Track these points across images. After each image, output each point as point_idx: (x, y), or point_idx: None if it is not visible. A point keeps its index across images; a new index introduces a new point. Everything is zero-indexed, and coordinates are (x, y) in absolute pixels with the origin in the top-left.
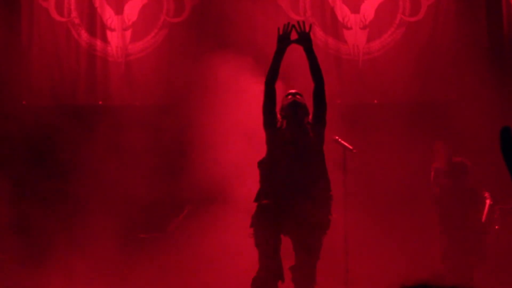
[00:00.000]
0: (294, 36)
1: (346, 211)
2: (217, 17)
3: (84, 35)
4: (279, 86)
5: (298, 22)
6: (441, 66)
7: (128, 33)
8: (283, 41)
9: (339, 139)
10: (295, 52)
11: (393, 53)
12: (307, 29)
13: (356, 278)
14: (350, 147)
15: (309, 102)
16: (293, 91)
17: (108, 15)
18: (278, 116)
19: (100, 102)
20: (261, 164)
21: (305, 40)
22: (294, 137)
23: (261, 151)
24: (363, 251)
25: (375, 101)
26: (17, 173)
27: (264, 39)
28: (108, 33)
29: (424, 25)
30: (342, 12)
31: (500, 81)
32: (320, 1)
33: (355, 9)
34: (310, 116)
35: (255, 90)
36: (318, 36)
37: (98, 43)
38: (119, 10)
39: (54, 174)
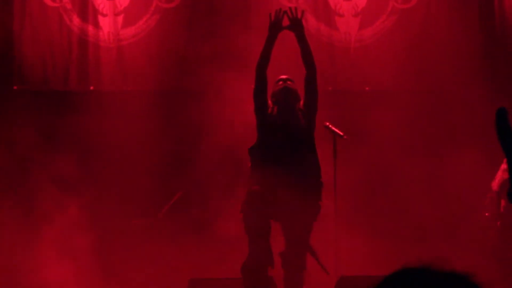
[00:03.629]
0: (286, 22)
1: (337, 197)
2: (209, 3)
3: (76, 20)
4: (270, 72)
5: (290, 8)
6: (433, 54)
7: (120, 18)
8: (275, 27)
9: (330, 125)
10: (287, 38)
11: (385, 40)
12: (299, 16)
13: (346, 264)
14: (341, 133)
15: (300, 88)
16: (284, 76)
17: (100, 0)
18: (269, 101)
19: (92, 88)
20: (251, 150)
21: (297, 26)
22: (285, 123)
23: (254, 137)
24: (353, 237)
25: (367, 88)
26: (6, 159)
27: (256, 25)
28: (100, 18)
29: (416, 12)
30: None
31: (492, 69)
32: None
33: None
34: (301, 102)
35: (247, 77)
36: (310, 23)
37: (90, 29)
38: None
39: (44, 160)
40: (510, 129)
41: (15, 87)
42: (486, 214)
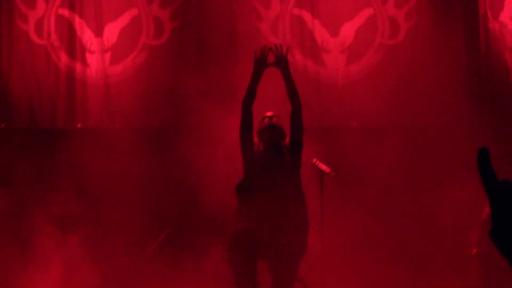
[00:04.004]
0: (272, 59)
1: (324, 236)
2: (196, 40)
3: (64, 58)
4: (256, 109)
5: (275, 45)
6: (420, 90)
7: (108, 56)
8: (260, 64)
9: (317, 163)
10: (273, 75)
11: (372, 76)
12: (284, 52)
13: None
14: (328, 171)
15: (286, 125)
16: (270, 113)
17: (88, 37)
18: (255, 139)
19: (79, 125)
20: (238, 187)
21: (282, 62)
22: (270, 161)
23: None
24: (340, 276)
25: (354, 125)
26: None
27: (243, 61)
28: (88, 55)
29: (403, 48)
30: (321, 35)
31: (478, 104)
32: (300, 24)
33: (335, 32)
34: (287, 139)
35: (235, 113)
36: (297, 59)
37: (78, 66)
38: (98, 33)
39: (32, 197)
40: (492, 169)
41: (2, 125)
42: (474, 251)
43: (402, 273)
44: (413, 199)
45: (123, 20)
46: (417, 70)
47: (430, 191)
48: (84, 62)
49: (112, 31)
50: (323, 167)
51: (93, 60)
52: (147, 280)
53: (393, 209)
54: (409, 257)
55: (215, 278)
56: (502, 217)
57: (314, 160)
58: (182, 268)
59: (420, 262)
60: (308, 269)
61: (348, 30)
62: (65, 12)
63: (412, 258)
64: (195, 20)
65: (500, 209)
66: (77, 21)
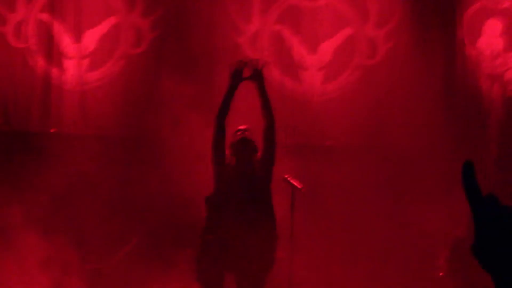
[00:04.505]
0: (247, 73)
1: (293, 251)
2: (176, 50)
3: (41, 62)
4: (230, 122)
5: (251, 60)
6: (396, 110)
7: (85, 62)
8: (236, 78)
9: (289, 178)
10: (248, 89)
11: (349, 95)
12: (259, 67)
13: None
14: (299, 186)
15: (259, 140)
16: (242, 127)
17: (66, 43)
18: (228, 152)
19: (53, 130)
20: (208, 199)
21: (257, 77)
22: (242, 174)
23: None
24: None
25: (328, 143)
26: None
27: (221, 74)
28: (65, 61)
29: (381, 68)
30: (300, 52)
31: (452, 127)
32: (278, 40)
33: (313, 50)
34: (259, 153)
35: (210, 124)
36: (274, 75)
37: (54, 71)
38: (77, 38)
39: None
40: (476, 183)
41: None
42: (440, 274)
43: (371, 285)
44: (383, 217)
45: (103, 28)
46: (393, 91)
47: (399, 210)
48: (61, 67)
49: (91, 37)
50: (295, 182)
51: (70, 65)
52: (117, 286)
53: (363, 226)
54: (379, 272)
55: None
56: (485, 232)
57: (286, 175)
58: (150, 277)
59: (391, 274)
60: (276, 284)
61: (327, 49)
62: (45, 17)
63: (381, 273)
64: (175, 31)
65: (484, 223)
66: (56, 26)
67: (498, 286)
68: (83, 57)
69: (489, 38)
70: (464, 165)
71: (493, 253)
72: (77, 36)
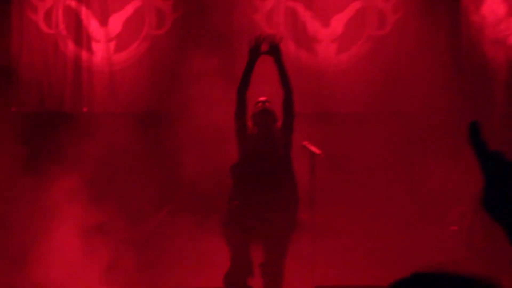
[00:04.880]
0: (265, 47)
1: (313, 213)
2: (196, 30)
3: (71, 46)
4: (250, 94)
5: (268, 35)
6: (405, 79)
7: (112, 44)
8: (254, 52)
9: (307, 145)
10: (267, 63)
11: (361, 65)
12: (277, 41)
13: (321, 274)
14: (318, 152)
15: (278, 110)
16: (263, 98)
17: (94, 27)
18: (249, 122)
19: (85, 109)
20: (233, 168)
21: (275, 51)
22: (263, 143)
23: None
24: (329, 249)
25: (342, 110)
26: (6, 176)
27: (240, 50)
28: (94, 44)
29: (390, 39)
30: (313, 26)
31: (461, 90)
32: (292, 15)
33: (326, 23)
34: (280, 123)
35: (231, 98)
36: (290, 48)
37: (84, 54)
38: (104, 22)
39: (41, 176)
40: (483, 140)
41: (13, 109)
42: (453, 228)
43: (388, 243)
44: (397, 179)
45: (127, 11)
46: (402, 60)
47: (413, 172)
48: (90, 50)
49: (117, 21)
50: (313, 148)
51: (98, 48)
52: (150, 251)
53: (379, 187)
54: (395, 230)
55: (212, 251)
56: (494, 186)
57: (305, 142)
58: (181, 242)
59: (406, 233)
60: (299, 244)
61: (339, 22)
62: (73, 3)
63: (398, 230)
64: (195, 11)
65: (492, 177)
66: (84, 12)
67: (509, 235)
68: (110, 40)
69: (491, 5)
70: (471, 124)
71: (503, 205)
72: (104, 20)
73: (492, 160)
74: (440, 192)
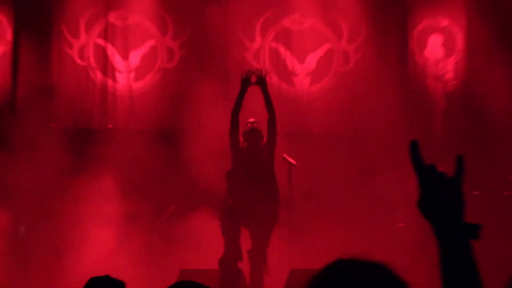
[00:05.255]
0: (254, 79)
1: (291, 211)
2: (199, 64)
3: (99, 76)
4: (241, 116)
5: (257, 69)
6: (365, 105)
7: (132, 75)
8: (245, 83)
9: (287, 157)
10: (255, 91)
11: (330, 94)
12: (263, 74)
13: (297, 260)
14: (295, 163)
15: (264, 129)
16: (252, 119)
17: (117, 60)
18: (240, 138)
19: (110, 126)
20: (227, 174)
21: (262, 82)
22: (252, 155)
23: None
24: (303, 240)
25: (314, 130)
26: (44, 180)
27: (233, 80)
28: (117, 74)
29: (353, 74)
30: (292, 62)
31: (408, 116)
32: (275, 54)
33: (301, 61)
34: (265, 139)
35: (227, 118)
36: (273, 80)
37: (109, 82)
38: (125, 57)
39: (75, 180)
40: (420, 156)
41: (53, 125)
42: (400, 224)
43: (350, 236)
44: (356, 185)
45: (144, 48)
46: (362, 91)
47: (368, 180)
48: (114, 79)
49: (136, 56)
50: (291, 160)
51: (121, 78)
52: (161, 239)
53: (344, 192)
54: (356, 225)
55: (210, 241)
56: (426, 191)
57: (285, 155)
58: (184, 231)
59: (365, 228)
60: (278, 235)
61: (312, 60)
62: (101, 41)
63: (358, 226)
64: (198, 49)
65: (425, 185)
66: (110, 48)
67: (436, 232)
68: (130, 71)
69: (432, 48)
70: (411, 143)
71: (432, 207)
72: (125, 56)
73: (426, 172)
74: (392, 197)
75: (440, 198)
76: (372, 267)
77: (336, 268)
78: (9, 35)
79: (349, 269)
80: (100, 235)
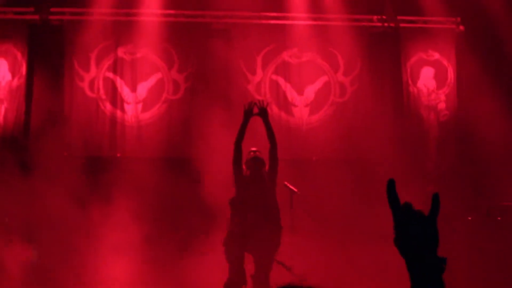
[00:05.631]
0: (256, 110)
1: (292, 237)
2: (204, 96)
3: (108, 107)
4: (244, 145)
5: (258, 101)
6: (361, 134)
7: (140, 106)
8: (247, 114)
9: (288, 184)
10: (257, 121)
11: (327, 124)
12: (265, 105)
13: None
14: (296, 190)
15: (266, 157)
16: (254, 148)
17: (126, 92)
18: (243, 166)
19: (119, 155)
20: (231, 201)
21: (263, 113)
22: (254, 182)
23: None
24: (305, 263)
25: (314, 158)
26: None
27: (236, 111)
28: (125, 105)
29: (349, 104)
30: (291, 94)
31: (402, 144)
32: (276, 86)
33: (300, 92)
34: (267, 167)
35: (230, 146)
36: (274, 111)
37: (118, 113)
38: (133, 89)
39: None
40: (396, 195)
41: (65, 154)
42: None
43: (352, 259)
44: (355, 210)
45: (151, 81)
46: (358, 120)
47: (368, 205)
48: (123, 110)
49: (143, 88)
50: (292, 187)
51: (129, 109)
52: (172, 261)
53: (342, 216)
54: (355, 250)
55: (216, 263)
56: (401, 229)
57: (286, 182)
58: (191, 256)
59: (364, 252)
60: (281, 258)
61: (310, 91)
62: (110, 75)
63: (357, 250)
64: (202, 82)
65: (401, 223)
66: (118, 81)
67: (409, 268)
68: (138, 102)
69: (425, 80)
70: (388, 182)
71: (407, 244)
72: (133, 88)
73: (402, 210)
74: (390, 220)
75: (414, 236)
76: None
77: None
78: (23, 69)
79: None
80: (108, 257)
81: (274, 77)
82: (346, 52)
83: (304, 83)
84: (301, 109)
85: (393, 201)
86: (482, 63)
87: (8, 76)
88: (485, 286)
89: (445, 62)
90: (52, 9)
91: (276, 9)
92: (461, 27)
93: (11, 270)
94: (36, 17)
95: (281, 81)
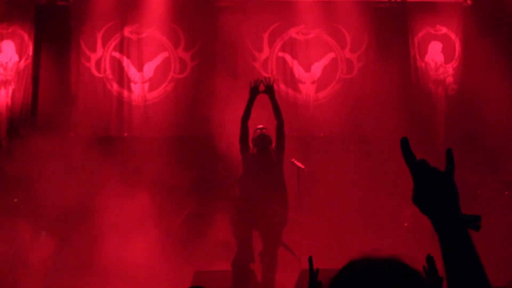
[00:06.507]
0: (262, 88)
1: (300, 213)
2: (210, 73)
3: (115, 86)
4: (250, 123)
5: (265, 78)
6: (368, 110)
7: (146, 85)
8: (254, 91)
9: (295, 161)
10: (263, 99)
11: (334, 100)
12: (271, 83)
13: (307, 260)
14: (303, 167)
15: (272, 134)
16: (260, 126)
17: (132, 72)
18: (250, 144)
19: (126, 134)
20: (238, 179)
21: (269, 90)
22: (261, 160)
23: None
24: (313, 240)
25: (321, 134)
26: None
27: (243, 89)
28: (132, 85)
29: (356, 81)
30: (298, 71)
31: (411, 118)
32: (283, 63)
33: (307, 69)
34: (273, 144)
35: (237, 125)
36: (281, 88)
37: (125, 92)
38: (140, 68)
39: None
40: (411, 152)
41: (72, 134)
42: (406, 224)
43: (359, 235)
44: (362, 186)
45: (157, 60)
46: (366, 96)
47: (375, 182)
48: (129, 89)
49: (150, 67)
50: (299, 164)
51: (136, 88)
52: (177, 242)
53: (348, 194)
54: (362, 226)
55: (222, 243)
56: (420, 186)
57: (293, 159)
58: (199, 234)
59: (371, 228)
60: (288, 236)
61: (317, 68)
62: (117, 54)
63: (364, 226)
64: (209, 60)
65: (418, 179)
66: (125, 61)
67: (434, 224)
68: (144, 82)
69: (433, 54)
70: (401, 141)
71: (427, 200)
72: (140, 67)
73: (418, 167)
74: (396, 197)
75: (433, 191)
76: (386, 263)
77: (352, 268)
78: (30, 50)
79: (366, 267)
80: (118, 236)
81: (281, 54)
82: (353, 28)
83: (311, 59)
84: (308, 86)
85: (409, 158)
86: (489, 37)
87: (15, 58)
88: (495, 261)
89: (452, 36)
90: None
91: None
92: (469, 1)
93: (20, 248)
94: None
95: (288, 58)
